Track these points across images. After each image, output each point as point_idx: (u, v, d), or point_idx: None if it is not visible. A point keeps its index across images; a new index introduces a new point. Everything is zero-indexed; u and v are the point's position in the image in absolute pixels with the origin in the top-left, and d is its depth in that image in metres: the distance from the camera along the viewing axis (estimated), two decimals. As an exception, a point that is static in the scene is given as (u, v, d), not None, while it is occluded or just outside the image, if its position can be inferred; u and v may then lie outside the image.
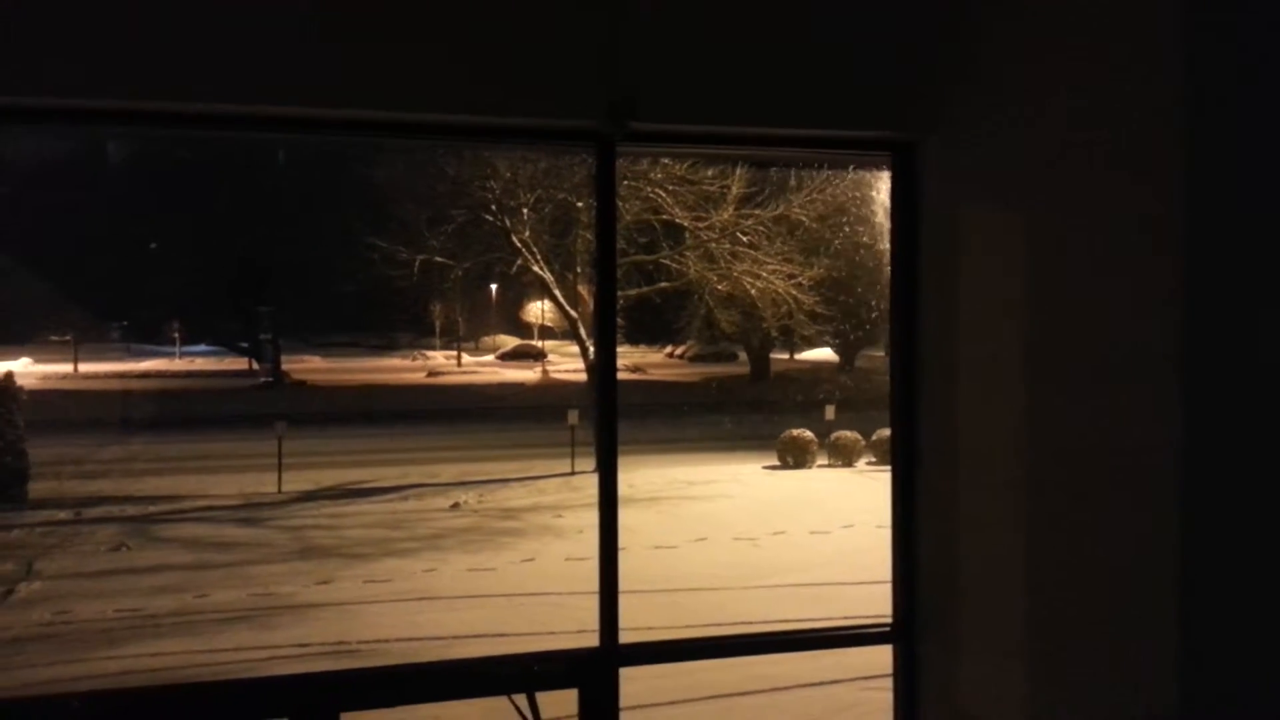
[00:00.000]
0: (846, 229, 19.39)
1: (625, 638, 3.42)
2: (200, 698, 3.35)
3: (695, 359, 32.70)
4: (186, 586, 11.17)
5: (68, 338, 29.41)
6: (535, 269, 19.10)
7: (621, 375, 3.68)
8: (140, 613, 10.31)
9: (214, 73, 2.99)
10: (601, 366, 3.55)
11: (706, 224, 18.51)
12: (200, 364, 30.53)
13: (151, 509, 14.74)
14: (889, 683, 3.76)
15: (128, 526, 13.76)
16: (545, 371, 30.03)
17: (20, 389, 15.63)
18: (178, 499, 15.28)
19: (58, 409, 19.46)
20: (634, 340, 29.18)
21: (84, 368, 28.51)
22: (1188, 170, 2.47)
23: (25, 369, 22.99)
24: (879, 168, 3.94)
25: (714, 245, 18.76)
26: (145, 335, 31.25)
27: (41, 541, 12.96)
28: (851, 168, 16.59)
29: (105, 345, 30.21)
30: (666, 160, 17.31)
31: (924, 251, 3.63)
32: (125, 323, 31.29)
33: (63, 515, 14.17)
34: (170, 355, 31.39)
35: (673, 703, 7.51)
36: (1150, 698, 2.59)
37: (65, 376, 27.27)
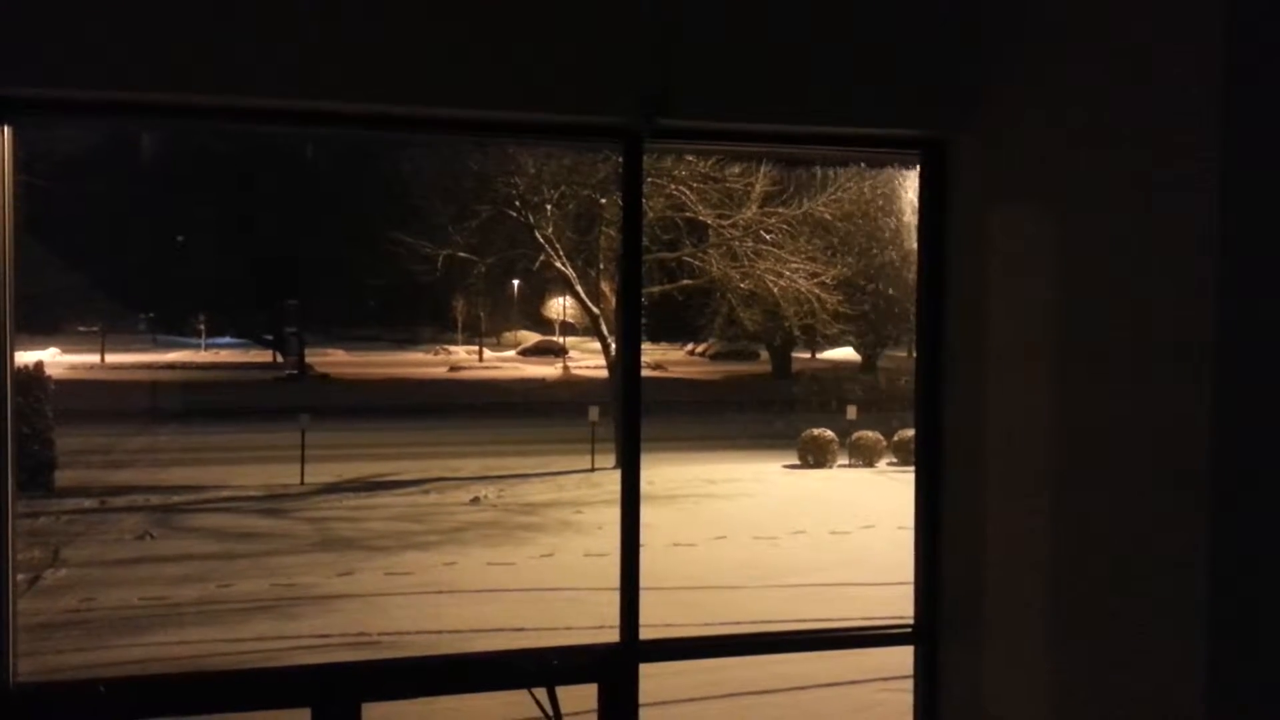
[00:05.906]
0: (872, 227, 19.28)
1: (644, 634, 3.42)
2: (223, 686, 3.38)
3: (716, 357, 32.64)
4: (210, 576, 11.28)
5: (95, 329, 29.73)
6: (558, 265, 19.10)
7: (643, 372, 3.67)
8: (164, 601, 10.41)
9: (262, 68, 3.01)
10: (626, 363, 3.53)
11: (730, 222, 18.46)
12: (225, 356, 30.81)
13: (176, 499, 14.87)
14: (908, 684, 3.74)
15: (152, 516, 13.90)
16: (566, 367, 30.09)
17: (48, 379, 15.78)
18: (202, 489, 15.42)
19: (85, 399, 19.65)
20: (656, 338, 29.16)
21: (111, 358, 28.82)
22: (1225, 169, 2.44)
23: (53, 359, 23.23)
24: (909, 166, 3.92)
25: (737, 243, 18.70)
26: (171, 327, 31.58)
27: (68, 529, 13.11)
28: (867, 165, 16.52)
29: (132, 336, 30.52)
30: (691, 157, 17.26)
31: (952, 250, 3.61)
32: (152, 314, 31.60)
33: (89, 504, 14.32)
34: (196, 347, 31.70)
35: (691, 700, 7.51)
36: (1178, 698, 2.56)
37: (92, 367, 27.59)
